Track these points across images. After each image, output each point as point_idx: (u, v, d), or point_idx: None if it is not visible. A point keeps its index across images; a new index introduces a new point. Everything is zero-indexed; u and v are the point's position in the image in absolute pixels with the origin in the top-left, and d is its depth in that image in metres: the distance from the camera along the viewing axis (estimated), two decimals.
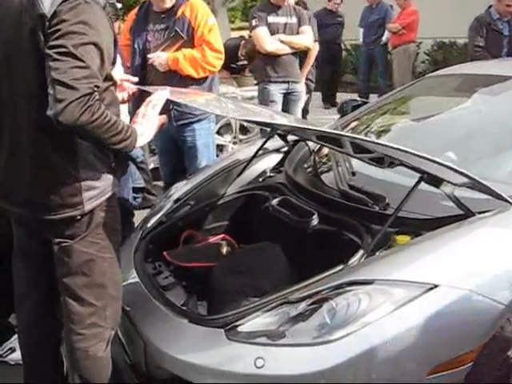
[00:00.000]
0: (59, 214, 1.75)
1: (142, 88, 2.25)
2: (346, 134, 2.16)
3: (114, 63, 1.80)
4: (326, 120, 6.01)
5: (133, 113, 2.24)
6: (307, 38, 4.59)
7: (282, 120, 2.51)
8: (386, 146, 1.89)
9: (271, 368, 1.64)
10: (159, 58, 3.25)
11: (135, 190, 4.14)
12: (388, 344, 1.60)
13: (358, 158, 2.16)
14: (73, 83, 1.53)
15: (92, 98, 1.56)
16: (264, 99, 4.56)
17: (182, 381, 1.78)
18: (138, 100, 2.76)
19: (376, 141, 2.13)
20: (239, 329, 1.76)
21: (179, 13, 3.25)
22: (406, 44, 7.69)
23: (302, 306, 1.75)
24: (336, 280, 1.78)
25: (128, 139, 1.72)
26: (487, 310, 1.64)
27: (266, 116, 2.43)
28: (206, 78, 3.37)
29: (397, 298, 1.64)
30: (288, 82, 4.55)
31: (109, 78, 1.75)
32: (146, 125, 1.83)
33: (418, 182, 1.96)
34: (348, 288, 1.72)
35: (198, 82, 3.32)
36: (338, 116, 5.20)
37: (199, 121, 3.40)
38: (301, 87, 4.73)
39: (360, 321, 1.63)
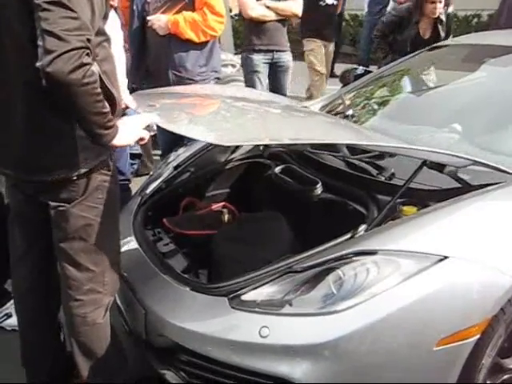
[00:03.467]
0: (55, 175, 1.69)
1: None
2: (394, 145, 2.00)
3: (105, 18, 1.71)
4: (324, 90, 5.93)
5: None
6: (296, 4, 4.20)
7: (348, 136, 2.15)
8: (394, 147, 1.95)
9: (276, 337, 1.61)
10: (159, 20, 3.16)
11: (131, 156, 4.08)
12: (395, 316, 1.57)
13: (357, 159, 2.18)
14: (63, 34, 1.44)
15: (84, 54, 1.47)
16: (248, 70, 4.24)
17: (184, 349, 1.76)
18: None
19: (388, 144, 2.02)
20: (243, 297, 1.73)
21: None
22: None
23: (308, 275, 1.71)
24: (342, 250, 1.74)
25: (108, 129, 1.61)
26: (496, 282, 1.61)
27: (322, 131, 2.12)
28: (207, 42, 3.28)
29: (405, 269, 1.61)
30: (273, 51, 4.16)
31: (101, 32, 1.66)
32: (129, 128, 1.73)
33: (419, 168, 1.95)
34: (355, 258, 1.69)
35: (199, 46, 3.24)
36: (335, 86, 5.16)
37: None
38: (288, 56, 4.30)
39: (367, 291, 1.60)
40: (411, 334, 1.58)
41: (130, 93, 3.64)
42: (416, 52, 3.27)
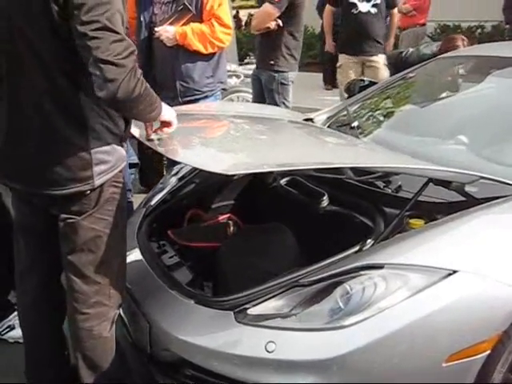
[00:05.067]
0: (68, 189, 1.69)
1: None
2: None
3: None
4: (327, 101, 5.95)
5: None
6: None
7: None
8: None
9: (282, 352, 1.59)
10: (166, 32, 3.15)
11: (129, 165, 4.05)
12: (404, 331, 1.54)
13: (361, 182, 2.15)
14: (119, 60, 1.53)
15: (137, 70, 1.58)
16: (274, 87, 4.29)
17: (189, 363, 1.73)
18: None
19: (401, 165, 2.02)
20: (249, 311, 1.71)
21: None
22: (416, 26, 7.59)
23: (315, 289, 1.69)
24: (350, 263, 1.72)
25: (157, 107, 1.74)
26: (506, 297, 1.59)
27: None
28: (214, 53, 3.28)
29: (413, 284, 1.59)
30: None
31: None
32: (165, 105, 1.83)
33: (425, 184, 1.94)
34: (362, 272, 1.67)
35: (206, 57, 3.24)
36: (339, 97, 5.15)
37: (206, 97, 3.31)
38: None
39: (375, 306, 1.58)
40: (420, 349, 1.56)
41: None
42: (421, 64, 3.27)
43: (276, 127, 2.60)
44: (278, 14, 4.17)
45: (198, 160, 1.81)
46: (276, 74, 4.27)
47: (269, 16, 4.21)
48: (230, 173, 1.75)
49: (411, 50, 4.32)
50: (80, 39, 1.53)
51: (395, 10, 5.36)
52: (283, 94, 4.31)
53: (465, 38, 3.76)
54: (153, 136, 1.88)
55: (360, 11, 4.85)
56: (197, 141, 2.13)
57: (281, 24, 4.21)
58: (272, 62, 4.26)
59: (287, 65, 4.28)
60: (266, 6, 4.25)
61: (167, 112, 1.82)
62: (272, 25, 4.21)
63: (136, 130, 1.94)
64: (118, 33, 1.55)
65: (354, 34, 4.91)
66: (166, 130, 1.86)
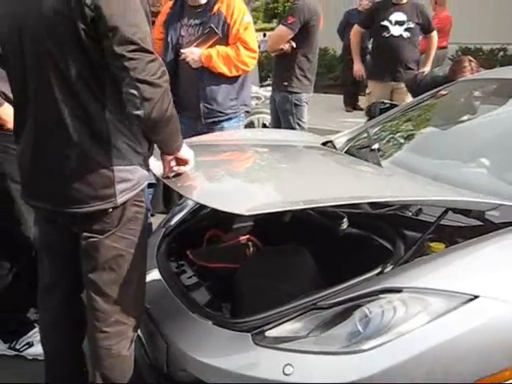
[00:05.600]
0: (91, 207, 1.71)
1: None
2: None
3: None
4: (348, 123, 5.95)
5: None
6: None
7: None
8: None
9: (300, 376, 1.57)
10: (192, 53, 3.19)
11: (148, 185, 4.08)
12: (423, 357, 1.52)
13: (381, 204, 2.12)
14: (155, 80, 1.60)
15: (169, 90, 1.65)
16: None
17: None
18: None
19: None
20: (267, 334, 1.70)
21: (215, 8, 3.19)
22: (438, 50, 7.58)
23: (333, 312, 1.68)
24: (369, 286, 1.71)
25: (181, 138, 1.79)
26: None
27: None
28: (239, 76, 3.30)
29: (434, 308, 1.57)
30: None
31: None
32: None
33: (444, 212, 1.92)
34: (382, 295, 1.65)
35: (230, 80, 3.27)
36: (360, 119, 5.15)
37: (229, 119, 3.33)
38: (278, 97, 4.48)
39: (395, 330, 1.56)
40: (440, 376, 1.53)
41: None
42: (442, 86, 3.26)
43: (296, 156, 2.61)
44: (291, 36, 4.23)
45: (215, 199, 1.78)
46: (290, 95, 4.32)
47: (282, 38, 4.27)
48: (248, 213, 1.71)
49: (426, 72, 4.30)
50: (117, 60, 1.57)
51: (433, 33, 5.01)
52: (297, 114, 4.35)
53: (472, 59, 3.71)
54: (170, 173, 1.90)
55: (392, 35, 4.66)
56: (214, 176, 2.11)
57: (294, 46, 4.26)
58: (286, 84, 4.31)
59: (301, 86, 4.33)
60: (280, 28, 4.31)
61: (186, 149, 1.86)
62: (285, 46, 4.26)
63: (154, 166, 1.94)
64: (151, 53, 1.60)
65: (384, 59, 4.74)
66: (182, 168, 1.88)
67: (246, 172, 2.31)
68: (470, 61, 3.66)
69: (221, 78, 3.22)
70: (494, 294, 1.58)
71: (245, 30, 3.20)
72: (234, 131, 3.30)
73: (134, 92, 1.57)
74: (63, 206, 1.74)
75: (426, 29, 4.87)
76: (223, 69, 3.19)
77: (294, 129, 4.32)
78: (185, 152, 1.85)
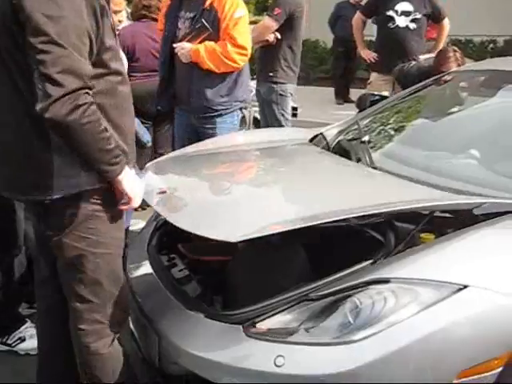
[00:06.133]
0: (29, 196, 1.71)
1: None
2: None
3: (109, 50, 1.69)
4: (339, 116, 5.94)
5: None
6: None
7: None
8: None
9: (291, 367, 1.58)
10: (183, 48, 3.16)
11: None
12: (414, 346, 1.53)
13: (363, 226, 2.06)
14: (59, 78, 1.48)
15: (81, 95, 1.51)
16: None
17: (198, 377, 1.73)
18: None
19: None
20: (258, 326, 1.70)
21: (207, 3, 3.13)
22: (428, 41, 7.56)
23: (324, 303, 1.68)
24: (359, 278, 1.71)
25: (113, 165, 1.62)
26: None
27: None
28: (231, 73, 3.23)
29: (424, 298, 1.58)
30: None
31: (99, 64, 1.65)
32: (134, 178, 1.74)
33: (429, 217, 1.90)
34: (372, 286, 1.66)
35: (221, 76, 3.20)
36: (351, 112, 5.15)
37: (220, 115, 3.27)
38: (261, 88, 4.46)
39: (385, 321, 1.57)
40: (430, 365, 1.54)
41: (157, 114, 3.63)
42: (432, 78, 3.27)
43: (285, 164, 2.54)
44: (276, 27, 4.21)
45: (206, 227, 1.75)
46: (275, 86, 4.32)
47: (268, 29, 4.25)
48: (233, 240, 1.64)
49: (413, 63, 4.27)
50: (31, 51, 1.51)
51: (445, 21, 4.68)
52: (282, 105, 4.35)
53: (456, 49, 3.69)
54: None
55: (397, 26, 4.40)
56: (202, 198, 2.05)
57: (279, 37, 4.25)
58: (271, 74, 4.30)
59: (286, 77, 4.33)
60: (266, 19, 4.30)
61: (131, 184, 1.70)
62: (270, 38, 4.25)
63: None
64: (66, 48, 1.50)
65: (389, 51, 4.47)
66: (123, 206, 1.74)
67: (236, 190, 2.24)
68: (455, 51, 3.65)
69: (211, 74, 3.17)
70: (484, 283, 1.59)
71: (234, 26, 3.11)
72: (221, 137, 3.20)
73: (40, 86, 1.49)
74: (10, 192, 1.76)
75: (436, 17, 4.64)
76: (210, 65, 3.13)
77: (278, 120, 4.31)
78: (128, 185, 1.69)
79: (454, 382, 1.52)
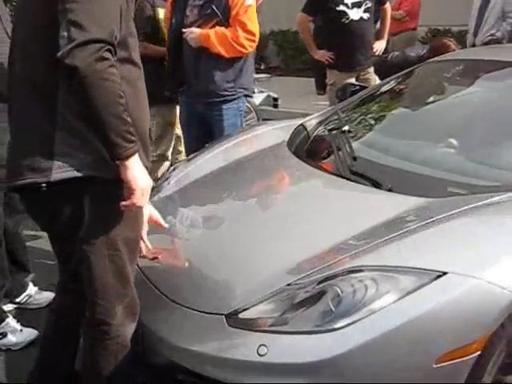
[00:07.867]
0: (25, 179, 1.59)
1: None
2: None
3: (132, 36, 1.65)
4: (319, 106, 5.95)
5: None
6: None
7: None
8: None
9: (274, 356, 1.59)
10: (192, 33, 3.25)
11: None
12: (394, 333, 1.55)
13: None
14: (86, 24, 1.42)
15: (105, 49, 1.43)
16: None
17: (181, 368, 1.73)
18: None
19: None
20: (241, 315, 1.71)
21: None
22: (407, 31, 7.60)
23: (306, 292, 1.70)
24: (340, 266, 1.73)
25: (127, 141, 1.49)
26: (496, 298, 1.59)
27: None
28: (239, 58, 3.32)
29: (404, 286, 1.60)
30: None
31: (123, 46, 1.58)
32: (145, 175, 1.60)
33: None
34: (353, 275, 1.68)
35: (229, 62, 3.29)
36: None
37: (225, 101, 3.35)
38: None
39: (366, 308, 1.58)
40: (410, 351, 1.56)
41: (166, 100, 3.61)
42: (411, 68, 3.29)
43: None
44: None
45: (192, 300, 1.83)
46: None
47: None
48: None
49: (396, 53, 4.29)
50: (60, 4, 1.46)
51: (387, 5, 4.54)
52: None
53: (457, 44, 3.80)
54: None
55: (352, 19, 4.14)
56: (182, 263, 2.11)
57: None
58: None
59: None
60: None
61: (139, 172, 1.55)
62: None
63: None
64: (98, 2, 1.46)
65: (349, 48, 4.21)
66: (123, 202, 1.58)
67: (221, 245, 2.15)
68: (456, 45, 3.74)
69: (219, 60, 3.26)
70: (462, 270, 1.61)
71: (245, 13, 3.22)
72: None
73: (65, 33, 1.42)
74: (9, 175, 1.68)
75: (380, 0, 4.40)
76: (219, 49, 3.22)
77: None
78: (134, 173, 1.54)
79: (434, 366, 1.54)
